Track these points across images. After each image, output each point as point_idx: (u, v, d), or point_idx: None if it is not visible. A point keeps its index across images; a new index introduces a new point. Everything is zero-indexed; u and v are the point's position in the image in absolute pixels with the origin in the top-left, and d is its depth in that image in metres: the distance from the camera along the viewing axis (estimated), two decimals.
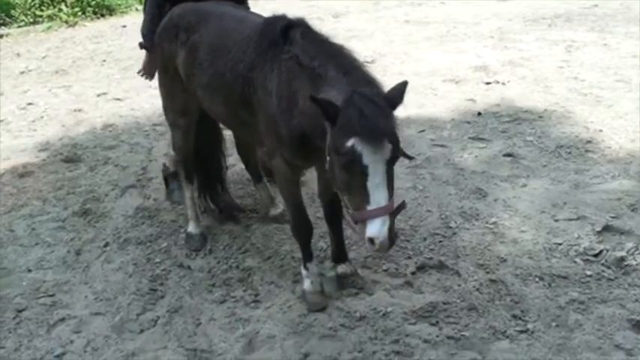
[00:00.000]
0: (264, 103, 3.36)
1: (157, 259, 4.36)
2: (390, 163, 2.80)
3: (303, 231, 3.73)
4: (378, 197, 2.75)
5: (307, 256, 3.77)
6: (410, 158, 3.26)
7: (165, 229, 4.75)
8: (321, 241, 4.33)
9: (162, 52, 4.23)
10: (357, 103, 2.72)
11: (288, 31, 3.30)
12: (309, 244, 3.77)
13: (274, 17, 3.51)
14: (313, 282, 3.75)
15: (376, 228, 2.75)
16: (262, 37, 3.42)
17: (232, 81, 3.57)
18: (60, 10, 14.39)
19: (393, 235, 2.82)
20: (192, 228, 4.52)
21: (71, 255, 4.50)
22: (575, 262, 3.97)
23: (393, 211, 2.84)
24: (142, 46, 4.71)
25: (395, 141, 2.78)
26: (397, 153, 2.82)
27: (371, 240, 2.79)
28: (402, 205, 2.99)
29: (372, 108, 2.73)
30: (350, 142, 2.70)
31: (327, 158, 2.91)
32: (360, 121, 2.68)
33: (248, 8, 4.54)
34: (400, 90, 2.92)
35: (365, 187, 2.75)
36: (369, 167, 2.72)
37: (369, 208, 2.75)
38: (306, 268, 3.77)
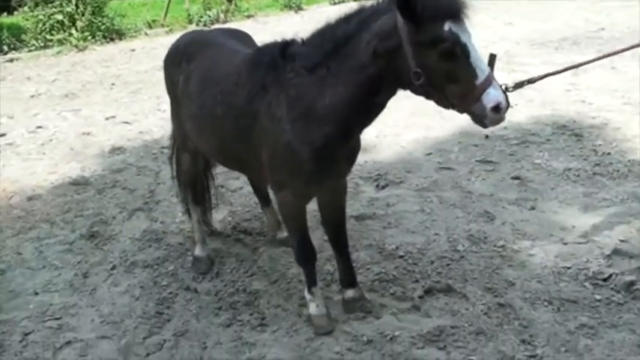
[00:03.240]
0: (271, 133, 3.28)
1: (164, 283, 4.35)
2: None
3: (307, 258, 3.71)
4: (483, 67, 2.82)
5: (312, 281, 3.75)
6: None
7: (172, 252, 4.75)
8: (328, 264, 4.31)
9: (169, 76, 4.25)
10: None
11: (285, 50, 3.29)
12: (313, 270, 3.75)
13: (265, 45, 3.51)
14: (319, 305, 3.73)
15: (496, 93, 2.80)
16: (256, 66, 3.38)
17: (223, 115, 3.53)
18: (70, 34, 14.58)
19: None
20: (199, 251, 4.51)
21: (78, 278, 4.50)
22: (584, 286, 3.94)
23: None
24: None
25: None
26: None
27: (496, 108, 2.80)
28: None
29: None
30: (447, 27, 2.76)
31: (415, 71, 2.86)
32: (447, 4, 2.77)
33: None
34: None
35: (470, 65, 2.80)
36: (467, 45, 2.80)
37: (480, 80, 2.79)
38: (310, 292, 3.75)
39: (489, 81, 2.81)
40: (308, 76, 3.16)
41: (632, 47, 3.68)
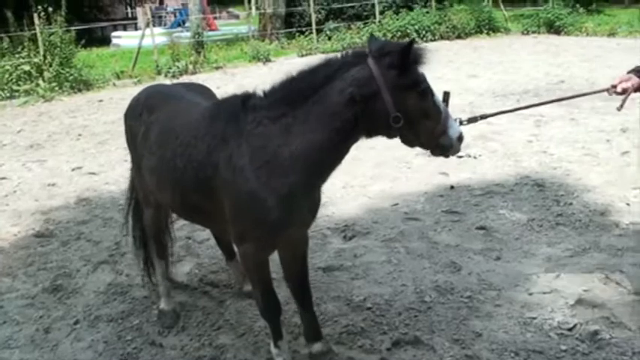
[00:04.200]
0: (233, 184, 3.28)
1: (129, 337, 4.26)
2: None
3: (272, 311, 3.66)
4: (442, 104, 3.24)
5: (278, 334, 3.70)
6: None
7: (138, 305, 4.67)
8: (296, 316, 4.27)
9: (130, 129, 4.25)
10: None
11: (246, 102, 3.35)
12: (279, 323, 3.70)
13: (226, 98, 3.58)
14: None
15: (456, 124, 3.27)
16: (216, 118, 3.42)
17: (183, 167, 3.51)
18: (37, 85, 14.52)
19: None
20: (164, 304, 4.44)
21: (40, 333, 4.38)
22: (549, 336, 3.97)
23: None
24: None
25: None
26: None
27: (460, 137, 3.24)
28: None
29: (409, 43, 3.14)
30: (419, 70, 3.16)
31: (395, 115, 3.10)
32: (419, 51, 3.15)
33: None
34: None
35: (435, 103, 3.20)
36: (430, 86, 3.19)
37: (444, 115, 3.20)
38: (277, 346, 3.70)
39: (448, 115, 3.23)
40: (272, 125, 3.21)
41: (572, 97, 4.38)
